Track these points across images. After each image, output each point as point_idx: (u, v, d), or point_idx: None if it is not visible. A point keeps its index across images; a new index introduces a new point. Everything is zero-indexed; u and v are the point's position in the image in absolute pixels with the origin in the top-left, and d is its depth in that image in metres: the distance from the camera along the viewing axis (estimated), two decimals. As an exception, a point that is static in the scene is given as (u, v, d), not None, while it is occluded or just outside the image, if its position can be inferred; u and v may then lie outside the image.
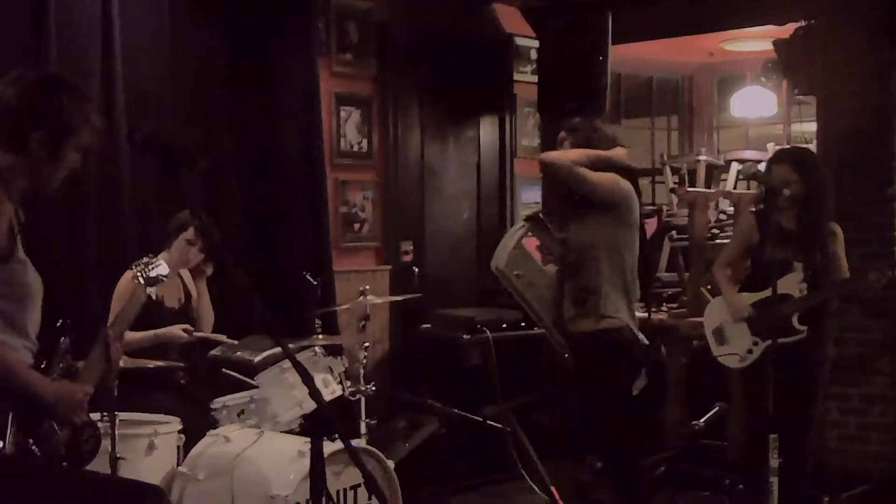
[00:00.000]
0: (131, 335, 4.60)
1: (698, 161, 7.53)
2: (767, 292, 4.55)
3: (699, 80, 8.95)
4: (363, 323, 5.06)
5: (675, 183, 7.53)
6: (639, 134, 9.00)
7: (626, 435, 4.16)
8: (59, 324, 2.88)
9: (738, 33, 7.34)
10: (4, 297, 2.67)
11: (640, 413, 4.09)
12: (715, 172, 7.62)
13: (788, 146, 6.03)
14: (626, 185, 4.28)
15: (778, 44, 6.14)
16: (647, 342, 4.24)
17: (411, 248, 6.79)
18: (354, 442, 3.84)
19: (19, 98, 2.72)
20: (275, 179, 5.89)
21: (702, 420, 4.18)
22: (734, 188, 7.28)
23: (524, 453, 3.39)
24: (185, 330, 4.71)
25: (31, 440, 2.64)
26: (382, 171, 6.70)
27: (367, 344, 4.93)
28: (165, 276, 3.34)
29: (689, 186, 7.19)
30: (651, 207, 8.31)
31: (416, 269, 6.67)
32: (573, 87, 6.49)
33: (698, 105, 8.96)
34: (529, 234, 4.20)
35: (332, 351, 4.82)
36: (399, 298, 5.55)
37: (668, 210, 7.31)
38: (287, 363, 4.42)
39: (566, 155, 4.30)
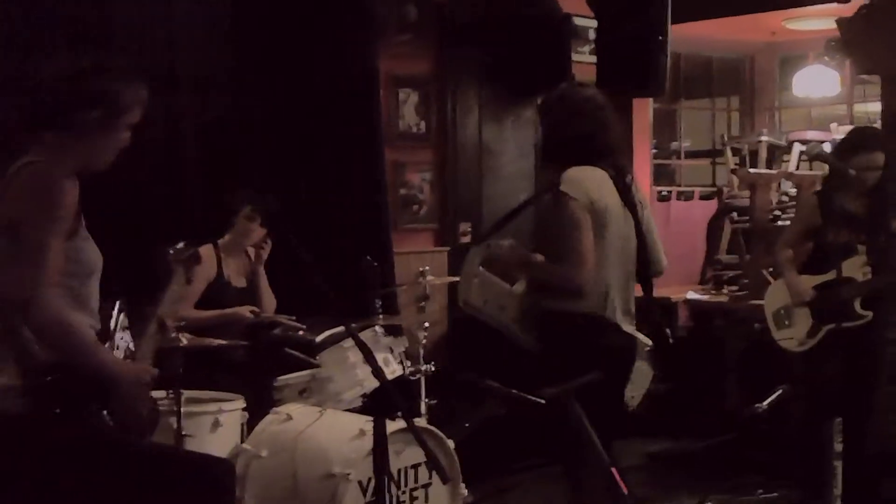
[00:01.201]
0: (199, 313, 4.71)
1: (760, 142, 7.46)
2: (830, 275, 4.52)
3: (761, 60, 8.84)
4: (423, 304, 5.08)
5: (736, 164, 7.47)
6: (699, 115, 8.93)
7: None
8: (114, 301, 2.95)
9: (801, 12, 7.25)
10: (70, 273, 2.73)
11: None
12: (777, 153, 7.54)
13: (870, 128, 5.79)
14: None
15: (841, 22, 6.04)
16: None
17: (469, 229, 6.80)
18: (415, 421, 3.86)
19: (73, 79, 2.80)
20: (334, 162, 5.92)
21: (764, 403, 4.14)
22: (796, 169, 7.20)
23: (584, 435, 3.38)
24: (251, 311, 4.79)
25: (105, 411, 2.71)
26: (440, 152, 6.71)
27: (426, 324, 4.96)
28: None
29: (751, 168, 7.12)
30: (712, 189, 8.27)
31: (474, 251, 6.67)
32: (632, 67, 6.44)
33: (760, 85, 8.85)
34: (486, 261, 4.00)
35: (392, 331, 4.86)
36: (459, 280, 5.56)
37: (728, 191, 7.26)
38: (349, 342, 4.47)
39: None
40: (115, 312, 2.89)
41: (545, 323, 3.81)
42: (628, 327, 3.80)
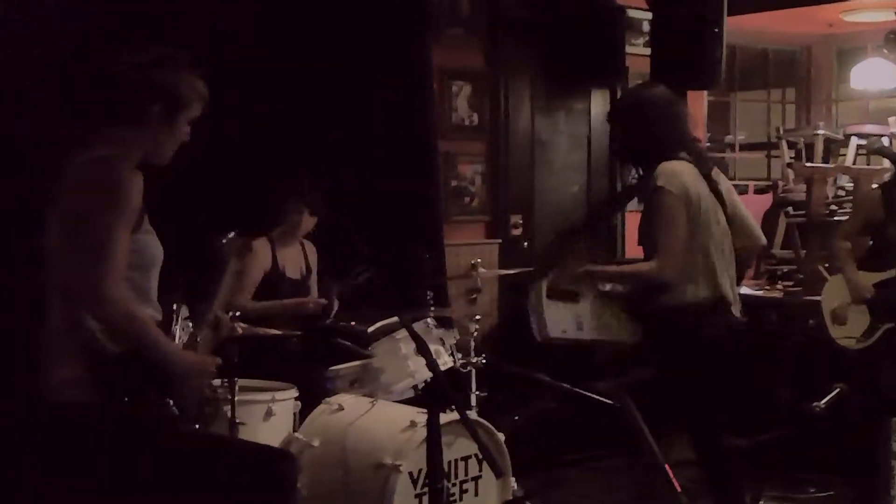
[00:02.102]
0: (258, 304, 4.77)
1: (816, 135, 7.36)
2: (889, 273, 4.45)
3: (817, 52, 8.73)
4: (474, 296, 5.08)
5: (791, 157, 7.38)
6: (754, 107, 8.84)
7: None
8: (174, 292, 2.98)
9: (859, 3, 7.15)
10: (134, 265, 2.76)
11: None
12: (833, 147, 7.44)
13: None
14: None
15: (902, 14, 5.95)
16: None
17: (521, 221, 6.79)
18: (467, 414, 3.86)
19: (138, 73, 2.84)
20: (387, 153, 5.93)
21: (822, 402, 4.10)
22: (853, 163, 7.10)
23: (637, 430, 3.38)
24: (314, 302, 4.83)
25: (170, 400, 2.75)
26: (492, 144, 6.69)
27: (477, 317, 4.95)
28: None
29: (807, 161, 7.04)
30: (766, 182, 8.18)
31: (526, 244, 6.67)
32: (687, 59, 6.38)
33: (816, 77, 8.74)
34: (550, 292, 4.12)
35: (443, 323, 4.87)
36: (511, 272, 5.56)
37: (784, 185, 7.17)
38: (400, 334, 4.48)
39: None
40: (174, 303, 2.92)
41: (662, 318, 3.93)
42: (737, 311, 4.01)
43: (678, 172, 3.89)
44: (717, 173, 4.08)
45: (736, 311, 4.01)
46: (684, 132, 4.06)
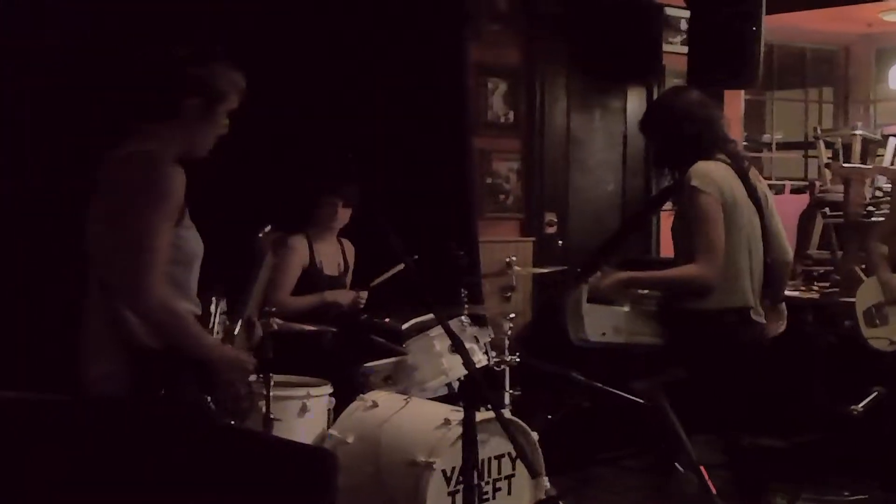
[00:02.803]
0: (298, 300, 4.80)
1: (854, 135, 7.29)
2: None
3: (856, 52, 8.65)
4: (509, 294, 5.07)
5: (829, 158, 7.32)
6: (791, 106, 8.78)
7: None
8: (212, 287, 3.00)
9: (900, 3, 7.08)
10: (174, 260, 2.77)
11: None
12: (871, 147, 7.36)
13: None
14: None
15: (944, 14, 5.89)
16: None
17: (555, 219, 6.77)
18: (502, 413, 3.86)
19: (176, 68, 2.85)
20: (422, 149, 5.93)
21: (860, 405, 4.07)
22: (891, 164, 7.03)
23: (673, 431, 3.37)
24: (351, 295, 4.87)
25: (208, 397, 2.77)
26: (527, 141, 6.68)
27: (512, 315, 4.95)
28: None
29: (844, 161, 6.98)
30: (803, 182, 8.12)
31: (560, 242, 6.65)
32: (724, 57, 6.35)
33: (855, 77, 8.67)
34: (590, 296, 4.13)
35: (476, 320, 4.86)
36: (545, 270, 5.56)
37: (820, 185, 7.11)
38: (435, 331, 4.49)
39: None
40: (213, 298, 2.94)
41: (686, 322, 3.91)
42: (759, 318, 3.95)
43: (712, 173, 3.87)
44: (755, 176, 4.05)
45: (757, 317, 3.96)
46: (718, 133, 4.04)
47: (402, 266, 4.49)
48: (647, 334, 4.01)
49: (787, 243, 4.12)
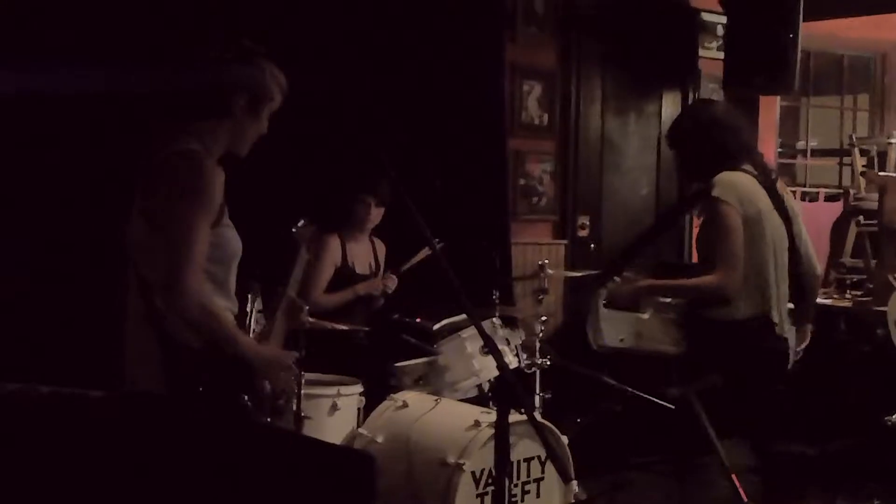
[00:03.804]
0: (330, 297, 4.82)
1: (890, 143, 7.24)
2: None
3: (893, 59, 8.58)
4: (541, 297, 5.06)
5: (864, 165, 7.26)
6: (827, 113, 8.71)
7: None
8: (249, 284, 3.02)
9: (939, 10, 7.02)
10: (214, 259, 2.79)
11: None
12: (907, 156, 7.30)
13: None
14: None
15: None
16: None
17: (588, 222, 6.76)
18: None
19: (223, 68, 2.88)
20: (457, 150, 5.93)
21: (894, 416, 4.04)
22: (928, 173, 6.98)
23: (706, 437, 3.36)
24: (382, 286, 4.90)
25: (245, 396, 2.78)
26: (562, 143, 6.67)
27: (544, 318, 4.94)
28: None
29: (879, 169, 6.93)
30: (838, 190, 8.06)
31: (593, 245, 6.64)
32: (761, 63, 6.33)
33: (891, 85, 8.59)
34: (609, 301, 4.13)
35: (508, 322, 4.86)
36: (578, 274, 5.54)
37: (855, 193, 7.05)
38: (466, 332, 4.49)
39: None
40: (250, 296, 2.96)
41: (707, 331, 3.91)
42: (785, 329, 3.94)
43: (735, 183, 3.86)
44: (782, 188, 4.04)
45: (782, 331, 3.95)
46: (745, 144, 4.04)
47: (428, 250, 4.50)
48: (667, 342, 4.01)
49: (816, 258, 4.10)
